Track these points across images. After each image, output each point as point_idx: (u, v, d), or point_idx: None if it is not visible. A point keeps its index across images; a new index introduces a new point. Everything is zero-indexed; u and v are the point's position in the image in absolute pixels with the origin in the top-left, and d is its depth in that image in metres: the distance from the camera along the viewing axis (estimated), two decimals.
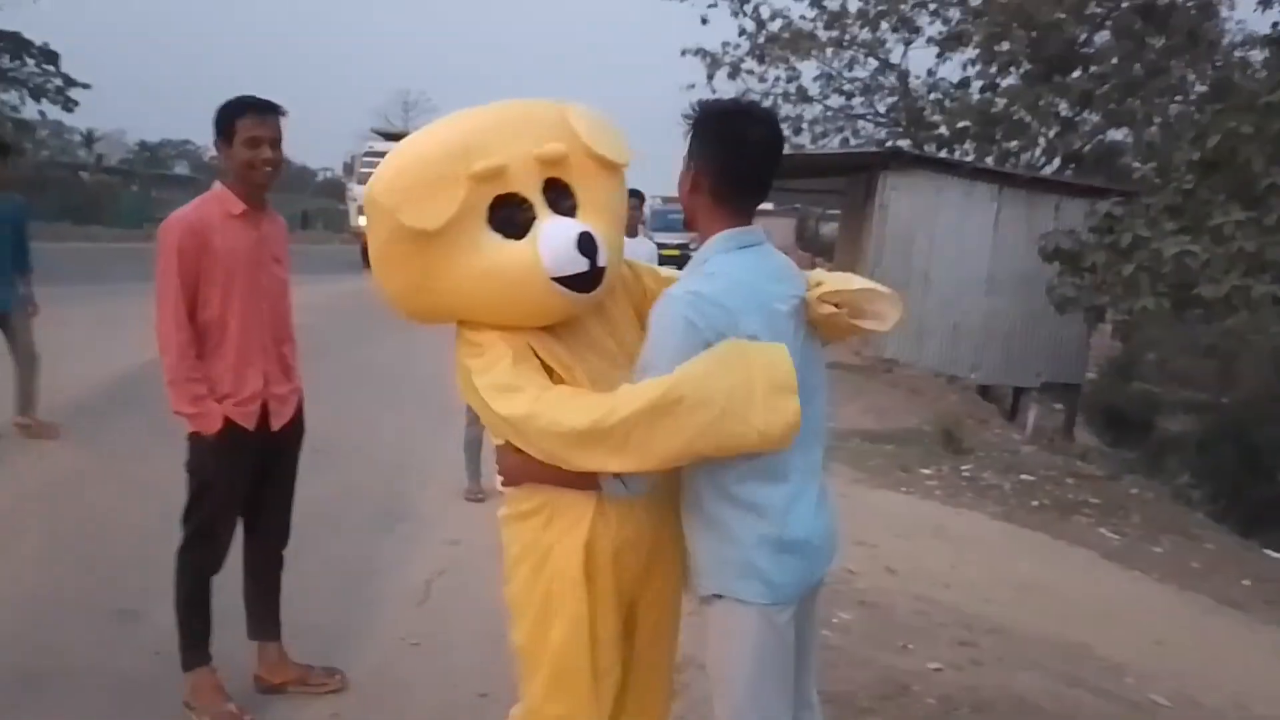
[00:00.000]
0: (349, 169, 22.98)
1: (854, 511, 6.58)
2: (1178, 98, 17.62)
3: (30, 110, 32.13)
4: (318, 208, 44.13)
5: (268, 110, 2.98)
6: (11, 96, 31.14)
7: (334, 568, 4.39)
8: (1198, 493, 8.70)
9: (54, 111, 32.97)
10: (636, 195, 7.47)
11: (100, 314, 9.36)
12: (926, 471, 8.19)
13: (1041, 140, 18.21)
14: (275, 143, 3.00)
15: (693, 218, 2.11)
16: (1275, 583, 7.05)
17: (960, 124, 18.85)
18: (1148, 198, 11.66)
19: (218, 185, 3.06)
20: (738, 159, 2.02)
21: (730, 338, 1.88)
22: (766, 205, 20.25)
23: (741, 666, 2.00)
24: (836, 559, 2.21)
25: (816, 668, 2.35)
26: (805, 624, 2.14)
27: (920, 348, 13.57)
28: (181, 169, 53.04)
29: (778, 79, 20.82)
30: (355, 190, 22.05)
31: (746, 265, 2.02)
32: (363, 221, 18.95)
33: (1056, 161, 18.41)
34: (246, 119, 2.94)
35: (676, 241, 28.36)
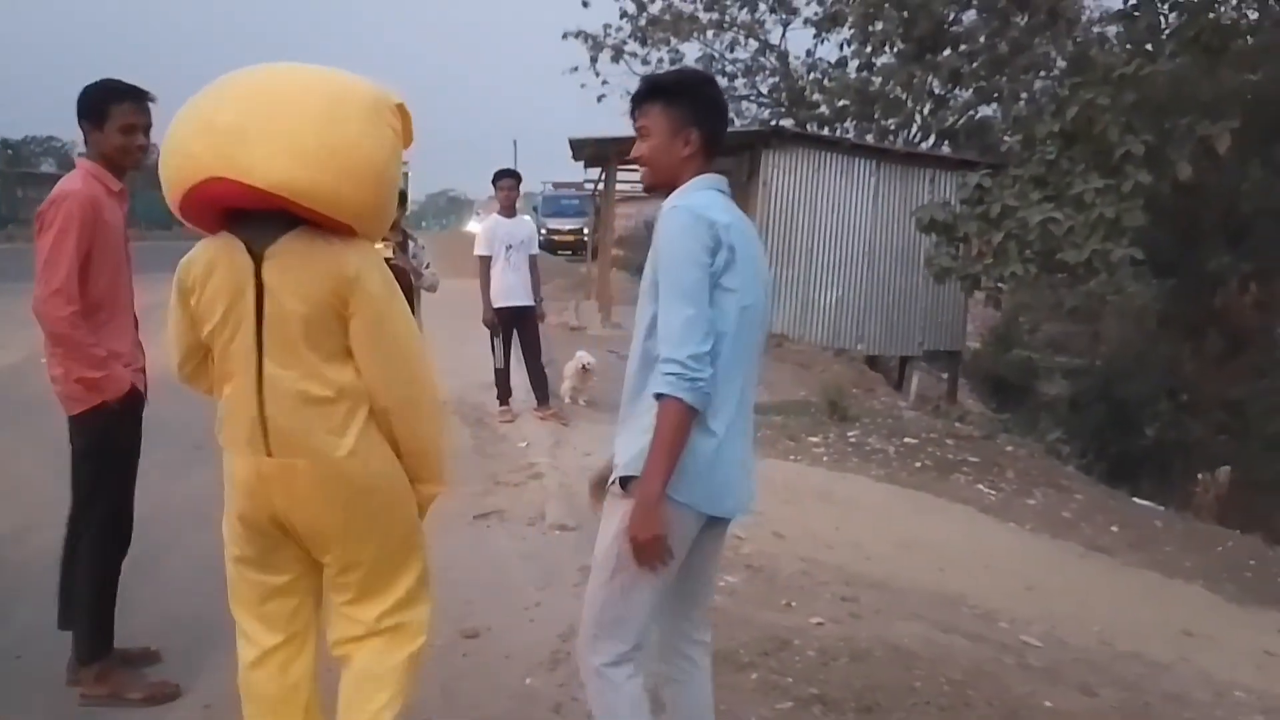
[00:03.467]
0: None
1: None
2: (1041, 73, 18.34)
3: None
4: None
5: (144, 98, 3.03)
6: None
7: (204, 565, 4.23)
8: (1068, 448, 9.12)
9: None
10: (512, 175, 7.45)
11: None
12: (814, 440, 8.37)
13: (917, 118, 18.74)
14: (148, 129, 3.05)
15: (676, 176, 2.37)
16: (1140, 528, 7.45)
17: (840, 103, 19.26)
18: (1014, 169, 12.10)
19: (87, 163, 3.03)
20: (721, 118, 2.43)
21: (724, 242, 2.20)
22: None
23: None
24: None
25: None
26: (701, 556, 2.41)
27: (807, 323, 13.86)
28: (48, 166, 50.34)
29: (660, 61, 20.91)
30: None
31: (723, 200, 2.34)
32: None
33: (932, 138, 18.97)
34: (124, 105, 2.98)
35: (570, 227, 28.34)
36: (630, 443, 2.26)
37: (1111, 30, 17.60)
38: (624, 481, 2.26)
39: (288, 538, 2.30)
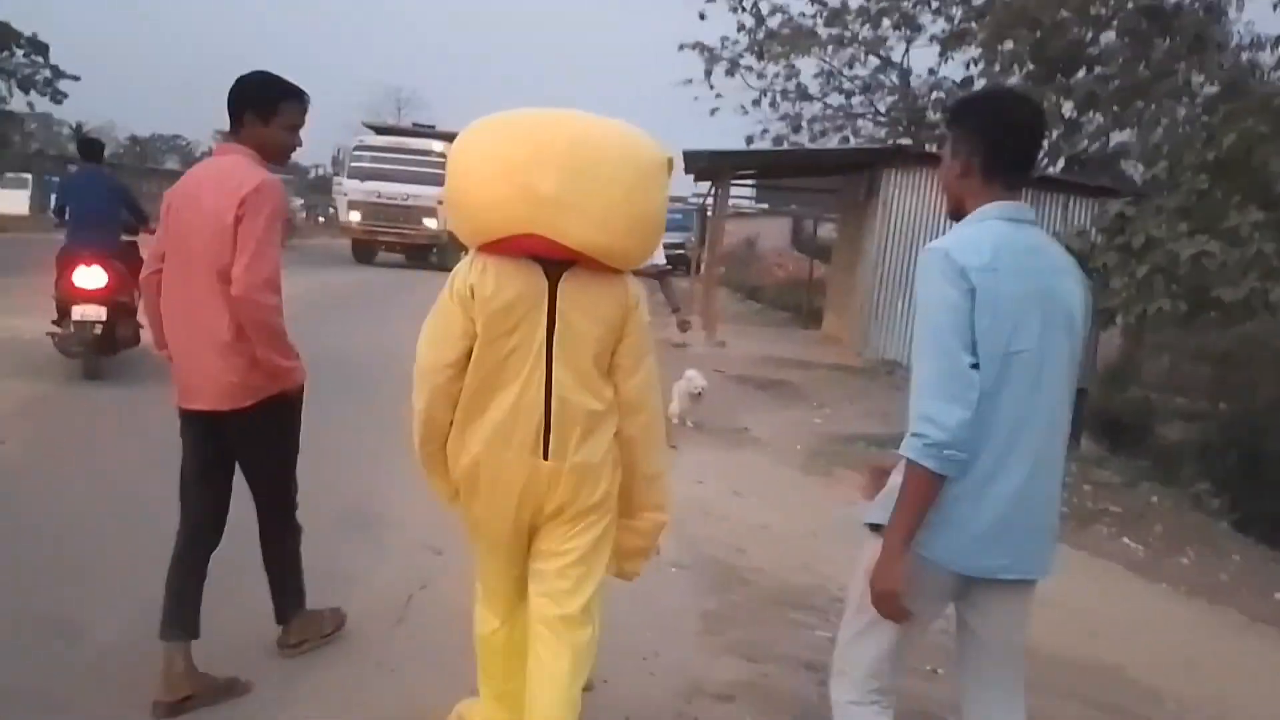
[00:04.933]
0: (338, 162, 22.56)
1: (859, 521, 6.21)
2: (1184, 100, 17.30)
3: (18, 102, 31.61)
4: (310, 204, 43.61)
5: (307, 100, 3.12)
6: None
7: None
8: (1217, 501, 8.30)
9: (42, 104, 32.45)
10: None
11: None
12: None
13: (1044, 142, 17.89)
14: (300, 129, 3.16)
15: (961, 203, 2.27)
16: None
17: None
18: (1159, 199, 11.32)
19: (244, 149, 3.02)
20: (1005, 138, 2.21)
21: (973, 283, 2.06)
22: (761, 205, 19.71)
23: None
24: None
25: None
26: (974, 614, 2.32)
27: None
28: (171, 163, 52.44)
29: (776, 76, 20.48)
30: (345, 185, 21.64)
31: (1001, 232, 2.15)
32: (354, 217, 18.46)
33: (1061, 163, 18.05)
34: (294, 105, 3.06)
35: (673, 240, 28.05)
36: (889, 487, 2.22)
37: (1265, 57, 16.58)
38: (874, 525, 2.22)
39: (526, 532, 2.58)
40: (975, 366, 2.06)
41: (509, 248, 2.39)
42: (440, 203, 21.39)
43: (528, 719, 2.58)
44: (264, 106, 3.01)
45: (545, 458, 2.45)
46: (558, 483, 2.47)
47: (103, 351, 7.42)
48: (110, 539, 4.28)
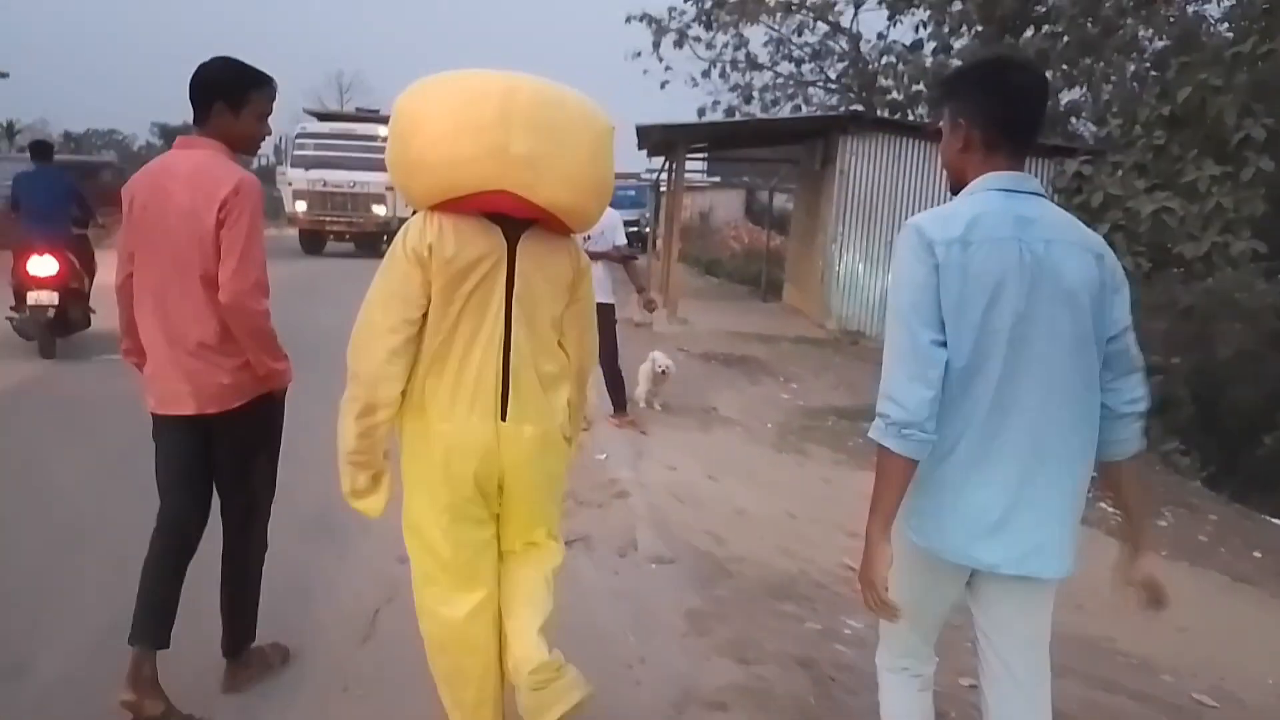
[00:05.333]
0: (280, 151, 21.92)
1: (839, 497, 6.09)
2: (1134, 55, 17.30)
3: None
4: None
5: (275, 87, 3.02)
6: None
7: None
8: (1188, 460, 8.30)
9: None
10: None
11: None
12: None
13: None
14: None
15: (963, 178, 2.15)
16: None
17: (915, 87, 18.39)
18: (1115, 156, 11.28)
19: (212, 142, 2.89)
20: (1005, 105, 2.10)
21: (940, 259, 1.98)
22: (714, 178, 19.44)
23: None
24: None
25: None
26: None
27: (884, 318, 13.14)
28: (108, 157, 50.98)
29: (725, 45, 20.22)
30: (289, 174, 21.06)
31: (989, 203, 2.05)
32: (300, 207, 17.89)
33: None
34: (264, 92, 2.96)
35: (628, 218, 27.72)
36: None
37: (1212, 9, 16.60)
38: None
39: (494, 494, 2.52)
40: (942, 344, 1.98)
41: (471, 205, 2.36)
42: (389, 189, 20.97)
43: (509, 639, 2.54)
44: (234, 96, 2.89)
45: (503, 420, 2.43)
46: (518, 446, 2.45)
47: (56, 333, 8.24)
48: (52, 559, 4.01)
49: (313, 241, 21.64)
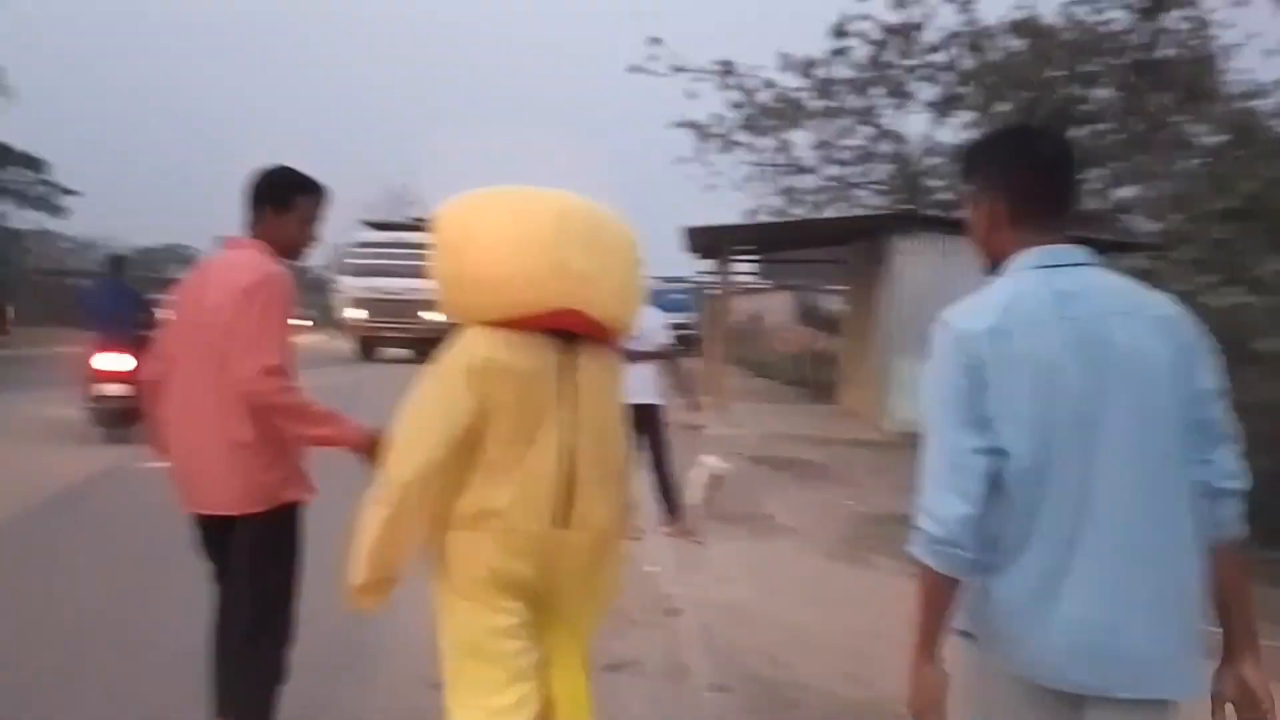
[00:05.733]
0: (335, 261, 22.38)
1: (903, 613, 5.69)
2: (1184, 150, 17.11)
3: (22, 219, 31.77)
4: (309, 303, 43.58)
5: (325, 194, 3.09)
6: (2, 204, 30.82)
7: None
8: None
9: (43, 220, 32.63)
10: None
11: None
12: None
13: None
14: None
15: (996, 255, 1.99)
16: None
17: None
18: (1175, 251, 10.95)
19: (256, 243, 2.94)
20: (1031, 173, 1.94)
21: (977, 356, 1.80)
22: (765, 281, 19.38)
23: None
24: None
25: None
26: None
27: None
28: (176, 272, 52.69)
29: (769, 150, 20.38)
30: (344, 283, 21.44)
31: (1024, 285, 1.85)
32: (359, 314, 18.22)
33: None
34: (311, 198, 3.04)
35: (678, 321, 27.71)
36: None
37: (1263, 104, 16.40)
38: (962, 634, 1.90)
39: (542, 602, 2.52)
40: (987, 451, 1.77)
41: (535, 323, 2.36)
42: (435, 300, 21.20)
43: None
44: (281, 200, 2.97)
45: (564, 526, 2.43)
46: (579, 552, 2.47)
47: (126, 422, 9.02)
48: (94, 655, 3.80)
49: (370, 347, 21.89)
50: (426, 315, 20.97)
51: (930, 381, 1.88)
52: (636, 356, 6.46)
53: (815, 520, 7.97)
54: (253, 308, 2.75)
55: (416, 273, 20.94)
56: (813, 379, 18.93)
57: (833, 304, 26.29)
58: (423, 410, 2.40)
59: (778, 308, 34.94)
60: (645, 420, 6.48)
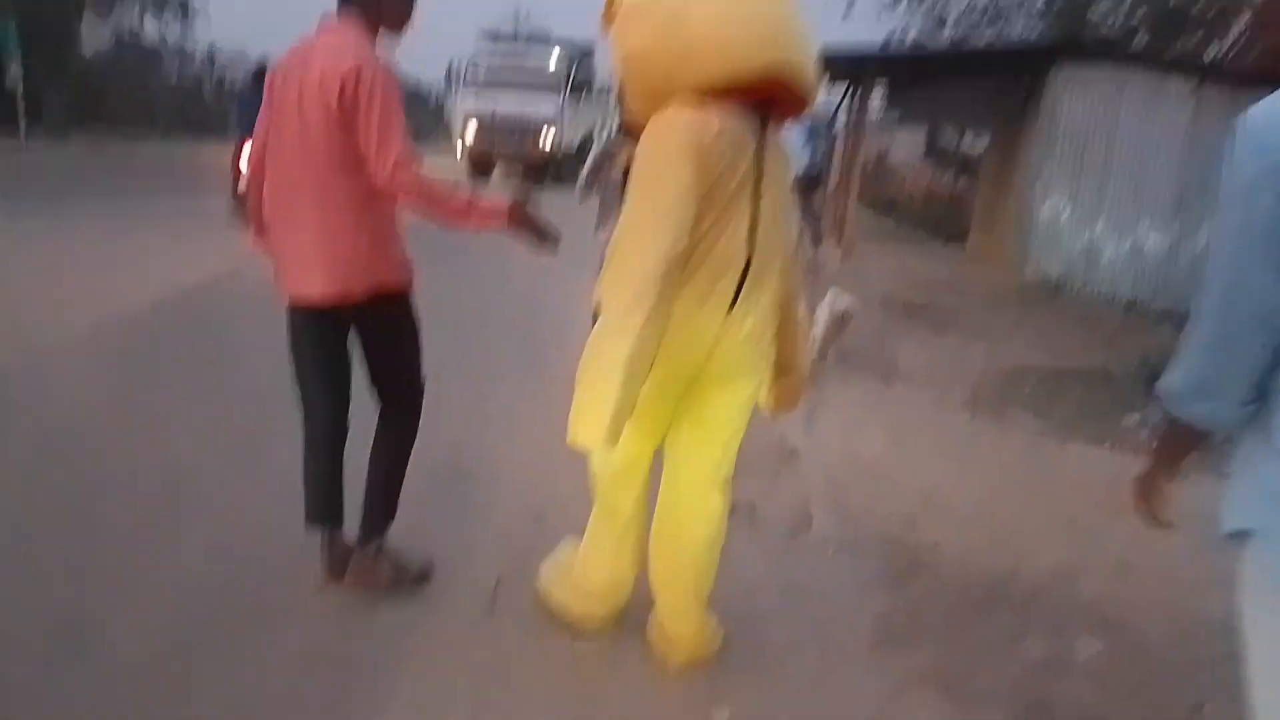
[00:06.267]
0: (452, 77, 21.69)
1: (1050, 475, 5.16)
2: None
3: (151, 28, 31.85)
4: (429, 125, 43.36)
5: None
6: (131, 14, 30.87)
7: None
8: None
9: (174, 29, 32.61)
10: None
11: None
12: (1130, 421, 6.61)
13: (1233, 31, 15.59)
14: None
15: None
16: None
17: (1134, 18, 16.32)
18: None
19: (351, 20, 2.75)
20: None
21: None
22: (893, 113, 17.78)
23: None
24: None
25: None
26: None
27: (1090, 269, 11.72)
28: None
29: None
30: (460, 98, 20.88)
31: None
32: (469, 130, 17.81)
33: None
34: None
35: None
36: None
37: None
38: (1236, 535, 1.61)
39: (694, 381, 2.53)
40: None
41: (743, 95, 2.32)
42: (554, 118, 20.48)
43: (672, 547, 2.68)
44: None
45: (730, 310, 2.41)
46: (739, 336, 2.45)
47: None
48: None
49: (482, 167, 21.47)
50: (541, 137, 20.42)
51: (1225, 200, 1.51)
52: None
53: (946, 371, 7.37)
54: (369, 101, 2.63)
55: (530, 91, 20.29)
56: (944, 222, 17.78)
57: (967, 143, 24.53)
58: (655, 197, 2.27)
59: (907, 145, 33.01)
60: None
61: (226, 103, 29.56)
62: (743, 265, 2.39)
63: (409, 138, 2.69)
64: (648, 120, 2.41)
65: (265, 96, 2.85)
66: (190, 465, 3.98)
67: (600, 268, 2.43)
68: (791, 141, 5.97)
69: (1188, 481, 5.51)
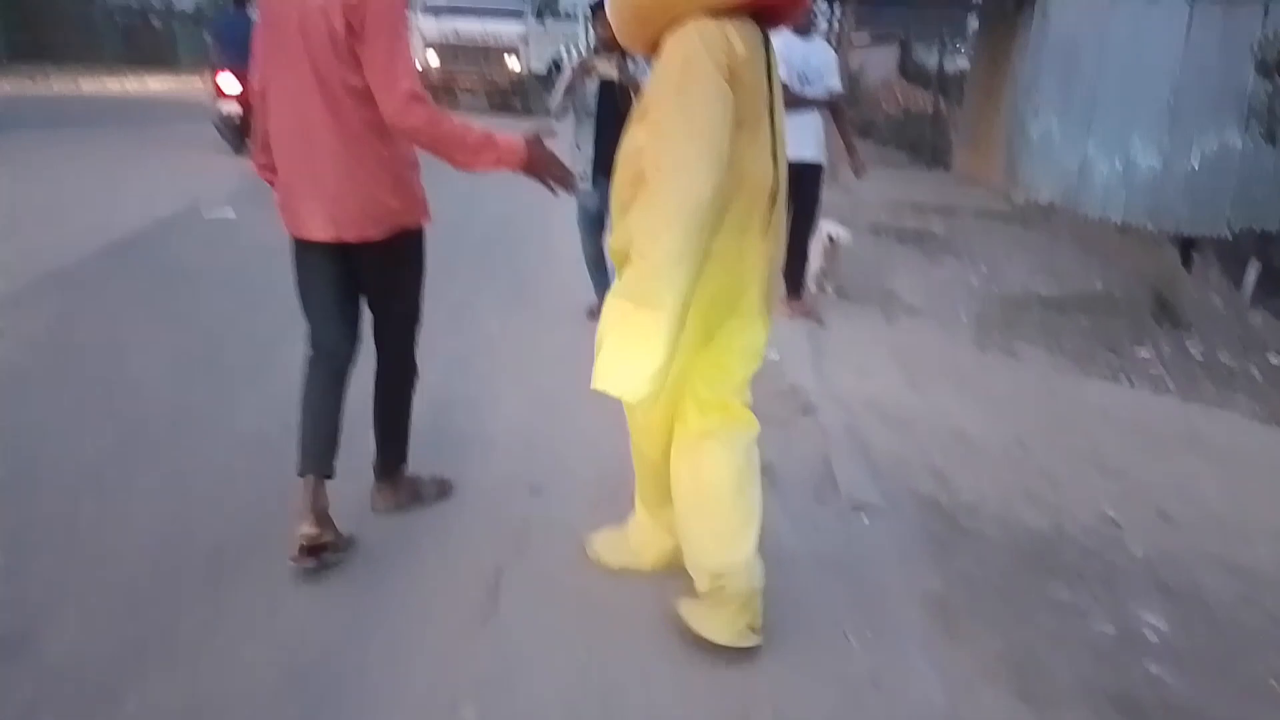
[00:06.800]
0: (415, 1, 20.67)
1: (1074, 416, 4.83)
2: None
3: None
4: None
5: None
6: None
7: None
8: None
9: None
10: None
11: None
12: (1142, 353, 6.30)
13: None
14: None
15: None
16: None
17: None
18: None
19: None
20: None
21: None
22: (860, 31, 17.08)
23: None
24: None
25: None
26: None
27: (1083, 190, 11.33)
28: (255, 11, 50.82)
29: None
30: (420, 23, 19.94)
31: None
32: (431, 58, 17.30)
33: None
34: None
35: None
36: None
37: None
38: None
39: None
40: None
41: (749, 3, 2.21)
42: (523, 41, 19.62)
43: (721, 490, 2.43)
44: None
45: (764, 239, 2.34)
46: (771, 265, 2.40)
47: (244, 136, 10.04)
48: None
49: (445, 95, 20.60)
50: (507, 61, 19.57)
51: None
52: (805, 104, 5.29)
53: (948, 301, 7.01)
54: (377, 24, 2.43)
55: (493, 14, 19.36)
56: (925, 144, 17.30)
57: (943, 60, 23.89)
58: (692, 121, 2.09)
59: (879, 64, 32.25)
60: (806, 182, 5.40)
61: (178, 30, 28.34)
62: (770, 187, 2.29)
63: (416, 67, 2.53)
64: (637, 45, 2.35)
65: (261, 19, 2.62)
66: (143, 416, 3.57)
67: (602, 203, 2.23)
68: (819, 62, 5.52)
69: (1212, 416, 5.27)
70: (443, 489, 3.19)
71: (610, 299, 2.24)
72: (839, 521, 3.23)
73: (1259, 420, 5.25)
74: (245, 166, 8.57)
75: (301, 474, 2.71)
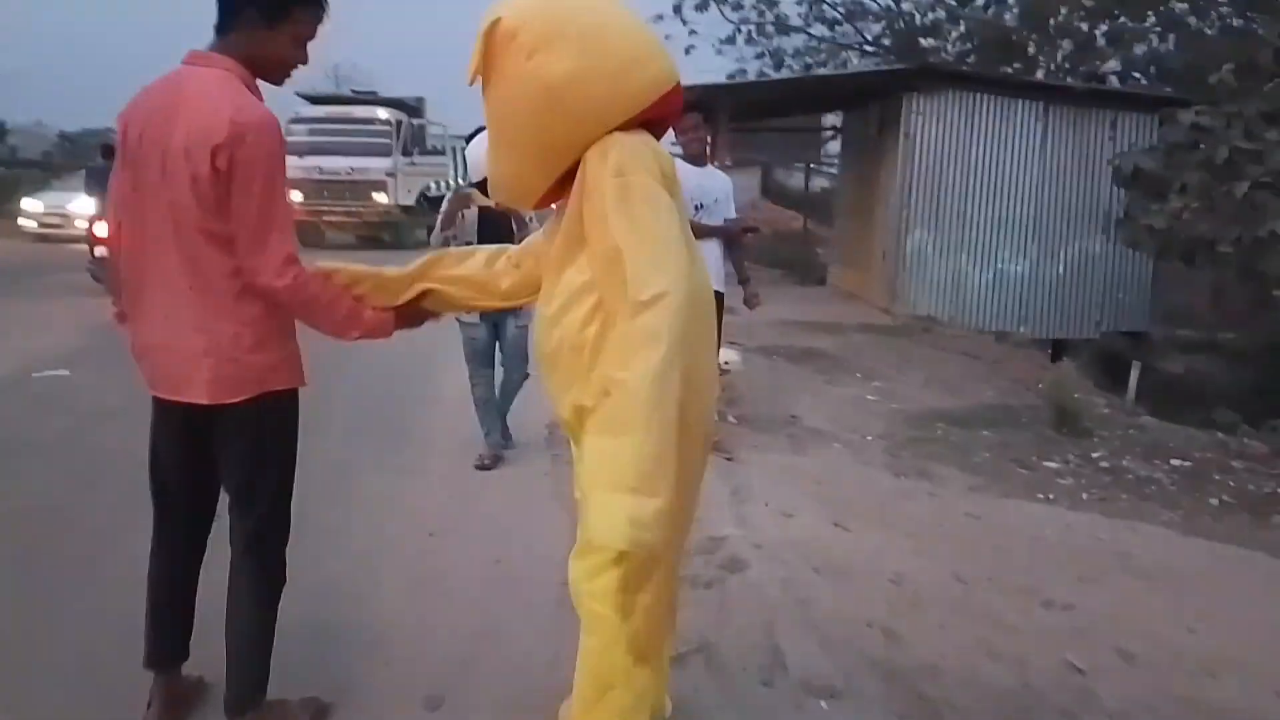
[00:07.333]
0: None
1: (1003, 542, 4.57)
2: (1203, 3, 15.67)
3: None
4: None
5: (326, 9, 2.42)
6: None
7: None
8: None
9: None
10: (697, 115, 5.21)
11: None
12: (1052, 465, 6.19)
13: (1056, 56, 16.08)
14: None
15: None
16: None
17: (966, 46, 16.67)
18: (1229, 106, 9.70)
19: (231, 62, 2.29)
20: None
21: None
22: (726, 160, 17.55)
23: None
24: None
25: None
26: None
27: (960, 302, 11.57)
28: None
29: (754, 7, 18.51)
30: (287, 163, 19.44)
31: None
32: (295, 198, 17.18)
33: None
34: (309, 12, 2.38)
35: None
36: None
37: None
38: None
39: None
40: None
41: (661, 109, 2.11)
42: (390, 175, 19.32)
43: None
44: (271, 10, 2.32)
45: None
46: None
47: None
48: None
49: (311, 234, 20.00)
50: (375, 196, 19.18)
51: None
52: (704, 233, 5.00)
53: (851, 422, 6.81)
54: (250, 173, 2.21)
55: (358, 150, 19.02)
56: (798, 262, 17.64)
57: (799, 181, 24.79)
58: (658, 223, 1.98)
59: (742, 186, 33.28)
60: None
61: (19, 172, 27.15)
62: (713, 298, 2.31)
63: (292, 228, 2.31)
64: (531, 196, 2.21)
65: (120, 159, 2.37)
66: None
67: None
68: (715, 189, 5.32)
69: (1136, 530, 5.10)
70: (317, 715, 2.63)
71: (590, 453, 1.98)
72: (794, 711, 2.78)
73: (1178, 532, 5.11)
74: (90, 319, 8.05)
75: (148, 667, 2.49)
